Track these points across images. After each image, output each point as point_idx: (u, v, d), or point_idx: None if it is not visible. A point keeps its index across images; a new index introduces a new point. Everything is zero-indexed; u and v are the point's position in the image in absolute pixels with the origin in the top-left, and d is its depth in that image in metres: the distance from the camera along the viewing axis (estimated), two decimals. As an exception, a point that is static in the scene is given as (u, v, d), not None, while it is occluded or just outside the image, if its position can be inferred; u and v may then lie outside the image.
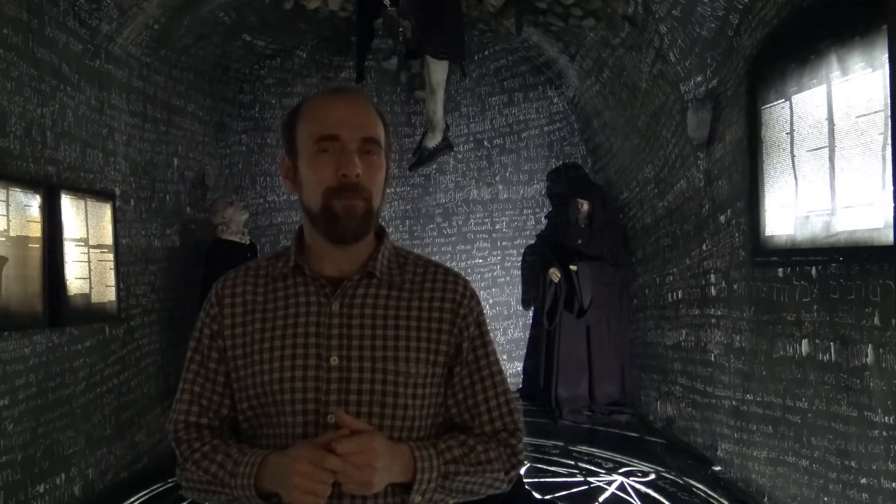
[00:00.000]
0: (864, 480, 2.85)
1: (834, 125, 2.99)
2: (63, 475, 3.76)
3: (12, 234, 3.40)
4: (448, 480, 1.21)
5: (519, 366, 6.80)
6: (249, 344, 1.25)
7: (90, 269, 4.07)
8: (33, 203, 3.57)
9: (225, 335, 1.27)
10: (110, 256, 4.30)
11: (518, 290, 7.02)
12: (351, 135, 1.20)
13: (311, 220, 1.25)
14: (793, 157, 3.30)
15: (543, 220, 6.97)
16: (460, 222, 7.09)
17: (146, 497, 4.09)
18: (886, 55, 2.61)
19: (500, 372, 1.34)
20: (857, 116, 2.83)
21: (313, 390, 1.20)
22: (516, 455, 1.31)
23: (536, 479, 4.18)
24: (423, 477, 1.19)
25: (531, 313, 6.77)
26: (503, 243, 7.08)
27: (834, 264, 3.02)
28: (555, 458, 4.62)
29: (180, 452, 1.27)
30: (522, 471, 1.39)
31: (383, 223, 1.33)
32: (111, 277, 4.29)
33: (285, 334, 1.23)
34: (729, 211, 4.10)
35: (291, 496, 1.12)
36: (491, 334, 1.37)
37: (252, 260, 1.36)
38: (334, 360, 1.21)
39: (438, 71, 5.63)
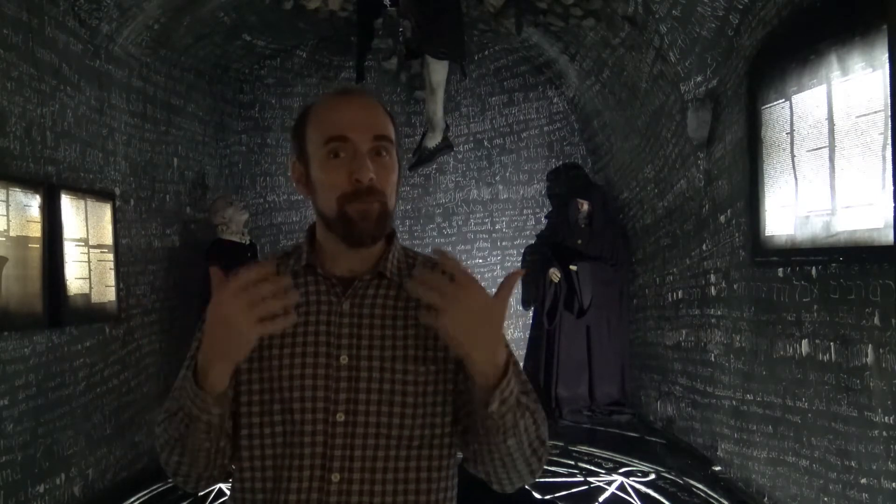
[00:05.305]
0: (864, 480, 2.85)
1: (834, 125, 2.99)
2: (63, 475, 3.76)
3: (12, 234, 3.40)
4: (520, 408, 1.16)
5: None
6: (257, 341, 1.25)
7: (90, 269, 4.07)
8: (33, 203, 3.57)
9: None
10: (110, 256, 4.30)
11: (518, 290, 7.02)
12: (361, 135, 1.19)
13: (326, 224, 1.24)
14: (793, 157, 3.30)
15: (543, 220, 6.96)
16: (460, 222, 7.09)
17: (146, 497, 4.09)
18: (886, 55, 2.61)
19: None
20: (857, 116, 2.83)
21: (323, 388, 1.20)
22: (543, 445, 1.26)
23: (536, 479, 4.18)
24: (508, 382, 1.12)
25: (531, 313, 6.76)
26: (503, 243, 7.07)
27: (834, 264, 3.02)
28: (555, 458, 4.61)
29: (157, 435, 1.22)
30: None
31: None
32: (111, 277, 4.29)
33: (295, 332, 1.22)
34: (729, 211, 4.10)
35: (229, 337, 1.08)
36: None
37: (262, 256, 1.35)
38: (344, 359, 1.21)
39: (438, 71, 5.63)
